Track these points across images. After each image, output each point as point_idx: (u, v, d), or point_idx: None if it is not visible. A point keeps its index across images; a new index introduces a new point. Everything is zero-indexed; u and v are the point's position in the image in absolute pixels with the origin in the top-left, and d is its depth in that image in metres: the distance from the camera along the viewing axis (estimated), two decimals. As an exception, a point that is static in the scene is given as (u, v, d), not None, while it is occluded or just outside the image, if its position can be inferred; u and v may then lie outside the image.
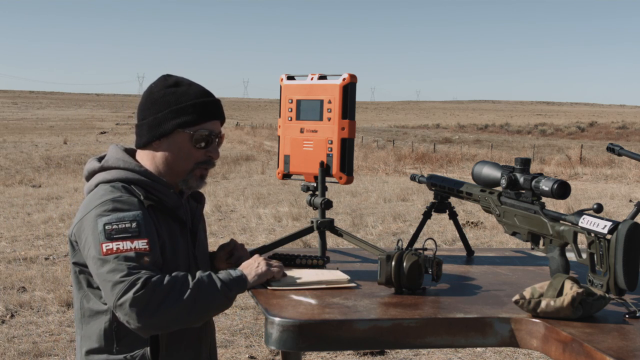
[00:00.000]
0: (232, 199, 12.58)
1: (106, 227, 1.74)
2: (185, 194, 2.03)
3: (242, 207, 11.55)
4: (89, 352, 1.86)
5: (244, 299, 5.91)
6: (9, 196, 13.08)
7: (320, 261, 2.18)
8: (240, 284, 1.81)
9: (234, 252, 2.09)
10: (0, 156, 23.52)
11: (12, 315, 5.53)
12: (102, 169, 1.92)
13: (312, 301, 1.83)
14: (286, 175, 2.39)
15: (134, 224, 1.76)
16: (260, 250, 2.29)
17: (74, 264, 1.88)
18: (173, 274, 1.73)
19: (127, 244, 1.72)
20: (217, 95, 2.00)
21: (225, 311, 5.70)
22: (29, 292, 6.16)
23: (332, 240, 6.84)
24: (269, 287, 1.93)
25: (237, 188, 14.69)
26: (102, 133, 39.96)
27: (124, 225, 1.75)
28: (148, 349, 1.83)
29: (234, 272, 1.82)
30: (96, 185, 1.89)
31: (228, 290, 1.77)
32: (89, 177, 1.96)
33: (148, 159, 1.94)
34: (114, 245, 1.71)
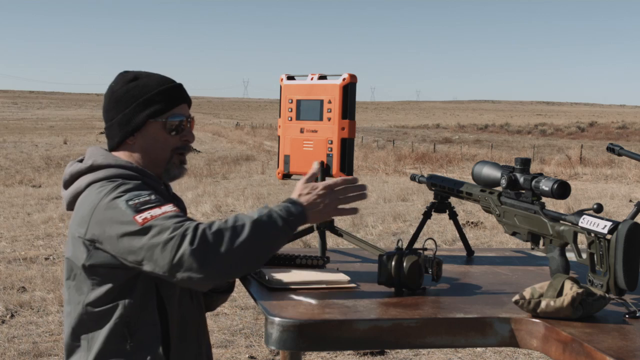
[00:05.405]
0: (232, 199, 12.58)
1: (129, 203, 1.69)
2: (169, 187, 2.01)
3: (242, 207, 11.55)
4: (100, 356, 1.78)
5: (244, 299, 5.90)
6: (9, 196, 13.09)
7: (320, 261, 2.18)
8: (301, 220, 1.76)
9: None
10: (0, 156, 23.52)
11: (12, 315, 5.53)
12: (92, 169, 1.85)
13: (312, 301, 1.82)
14: (286, 175, 2.39)
15: (152, 196, 1.73)
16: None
17: (90, 266, 1.76)
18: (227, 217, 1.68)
19: (157, 210, 1.68)
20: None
21: (225, 311, 5.72)
22: (29, 292, 6.16)
23: (332, 240, 6.84)
24: (269, 286, 1.93)
25: (237, 188, 14.69)
26: (102, 133, 39.81)
27: (145, 199, 1.71)
28: (160, 347, 1.79)
29: (294, 208, 1.75)
30: (87, 186, 1.82)
31: (289, 229, 1.73)
32: (72, 180, 1.88)
33: (126, 157, 1.90)
34: (146, 214, 1.67)
